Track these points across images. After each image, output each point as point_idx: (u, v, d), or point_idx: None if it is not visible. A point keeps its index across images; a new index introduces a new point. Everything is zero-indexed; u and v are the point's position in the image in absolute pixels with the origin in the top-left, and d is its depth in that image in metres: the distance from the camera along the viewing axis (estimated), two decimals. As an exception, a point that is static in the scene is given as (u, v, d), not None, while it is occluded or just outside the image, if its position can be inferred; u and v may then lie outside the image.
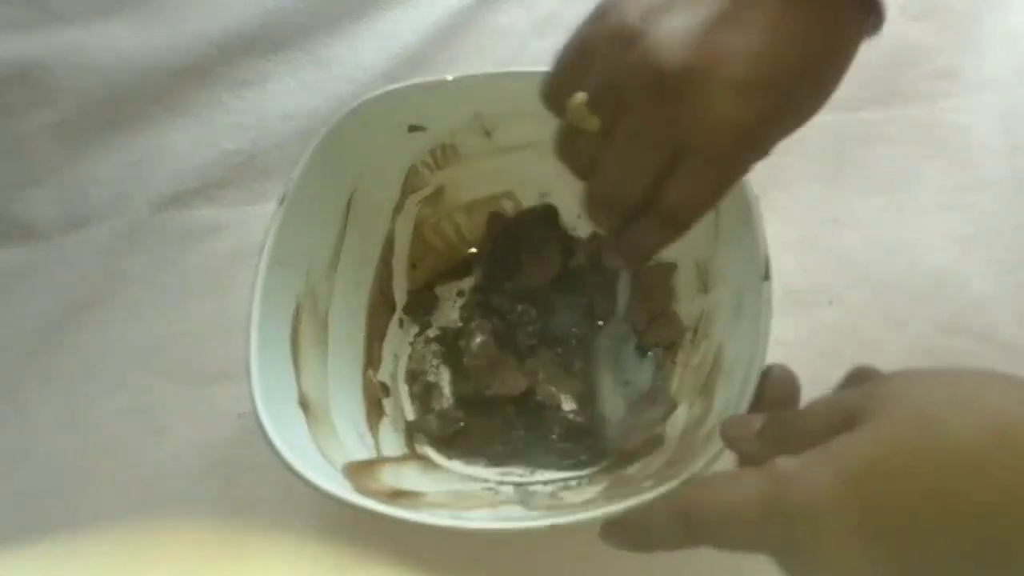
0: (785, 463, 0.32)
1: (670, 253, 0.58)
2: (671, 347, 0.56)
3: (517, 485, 0.54)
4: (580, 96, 0.37)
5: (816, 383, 0.55)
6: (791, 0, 0.36)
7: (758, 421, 0.38)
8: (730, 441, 0.39)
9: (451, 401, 0.58)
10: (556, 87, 0.39)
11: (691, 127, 0.35)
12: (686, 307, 0.57)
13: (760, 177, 0.60)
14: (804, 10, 0.36)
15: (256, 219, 0.64)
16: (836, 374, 0.55)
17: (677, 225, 0.40)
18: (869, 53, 0.66)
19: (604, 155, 0.38)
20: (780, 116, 0.37)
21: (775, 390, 0.42)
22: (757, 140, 0.37)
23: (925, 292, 0.58)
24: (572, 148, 0.40)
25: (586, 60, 0.38)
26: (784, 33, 0.36)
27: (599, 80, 0.37)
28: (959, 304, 0.57)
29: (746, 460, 0.39)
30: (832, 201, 0.62)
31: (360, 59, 0.71)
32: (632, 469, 0.52)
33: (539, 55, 0.69)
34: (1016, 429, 0.29)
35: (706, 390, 0.51)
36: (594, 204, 0.40)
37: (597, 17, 0.38)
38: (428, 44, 0.70)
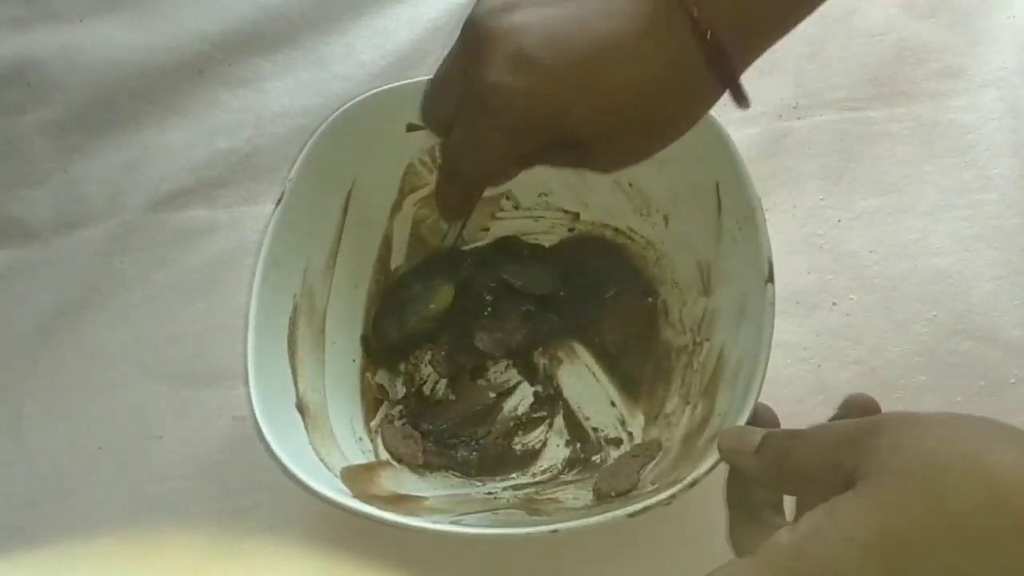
0: (785, 538, 0.32)
1: (669, 255, 0.58)
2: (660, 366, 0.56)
3: (516, 487, 0.53)
4: None
5: (818, 384, 0.55)
6: (644, 18, 0.36)
7: (757, 436, 0.37)
8: (727, 453, 0.39)
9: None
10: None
11: (471, 88, 0.38)
12: (687, 309, 0.56)
13: (763, 177, 0.60)
14: (649, 33, 0.37)
15: (253, 219, 0.64)
16: (840, 376, 0.55)
17: (461, 183, 0.43)
18: (874, 52, 0.67)
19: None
20: (561, 101, 0.37)
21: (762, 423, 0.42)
22: (526, 113, 0.38)
23: (929, 293, 0.57)
24: None
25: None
26: (602, 31, 0.37)
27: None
28: (964, 305, 0.57)
29: (741, 474, 0.38)
30: (835, 201, 0.61)
31: (358, 57, 0.70)
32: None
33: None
34: (1013, 493, 0.29)
35: (708, 393, 0.50)
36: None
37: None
38: (427, 42, 0.70)
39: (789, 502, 0.37)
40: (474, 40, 0.38)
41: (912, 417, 0.33)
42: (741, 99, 0.39)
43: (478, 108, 0.39)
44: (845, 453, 0.32)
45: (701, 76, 0.38)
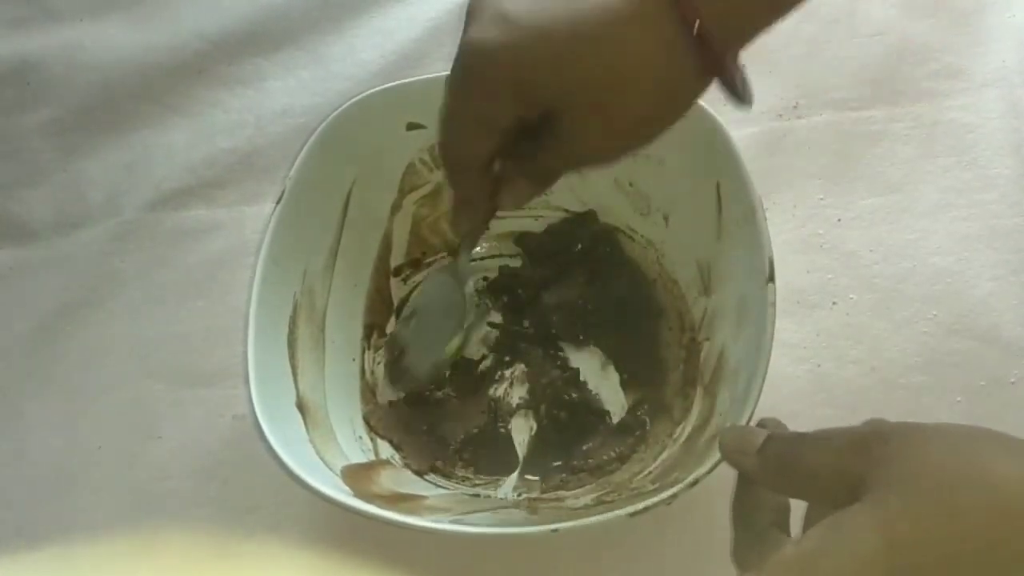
0: (791, 552, 0.32)
1: (669, 255, 0.58)
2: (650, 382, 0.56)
3: (514, 488, 0.53)
4: None
5: (818, 384, 0.55)
6: (632, 2, 0.36)
7: (759, 437, 0.37)
8: (728, 453, 0.38)
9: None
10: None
11: (456, 56, 0.39)
12: (686, 312, 0.56)
13: (763, 177, 0.60)
14: (635, 17, 0.36)
15: (253, 219, 0.64)
16: (840, 376, 0.55)
17: (449, 164, 0.43)
18: (874, 52, 0.67)
19: None
20: (535, 61, 0.37)
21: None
22: (500, 63, 0.38)
23: (929, 293, 0.57)
24: None
25: None
26: (588, 5, 0.36)
27: None
28: (964, 305, 0.57)
29: (742, 475, 0.38)
30: (836, 201, 0.61)
31: (359, 57, 0.70)
32: (620, 475, 0.52)
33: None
34: (1020, 506, 0.29)
35: (709, 392, 0.50)
36: None
37: None
38: (427, 42, 0.70)
39: (795, 523, 0.37)
40: (467, 13, 0.39)
41: (920, 428, 0.33)
42: (735, 94, 0.39)
43: (458, 70, 0.39)
44: (851, 461, 0.32)
45: (687, 66, 0.37)
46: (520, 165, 0.43)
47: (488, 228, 0.50)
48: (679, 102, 0.39)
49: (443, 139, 0.42)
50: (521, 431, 0.55)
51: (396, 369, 0.55)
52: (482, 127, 0.40)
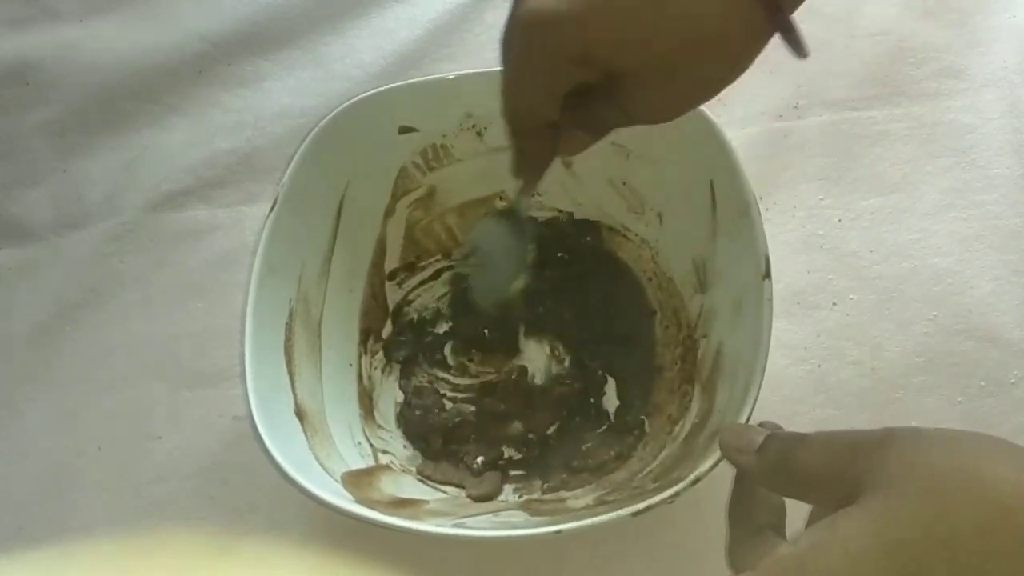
0: (786, 552, 0.32)
1: (664, 253, 0.58)
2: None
3: (515, 489, 0.53)
4: None
5: (818, 384, 0.55)
6: None
7: (759, 435, 0.37)
8: (728, 451, 0.38)
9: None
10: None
11: (514, 24, 0.39)
12: (682, 310, 0.56)
13: (763, 177, 0.60)
14: None
15: (252, 219, 0.64)
16: (840, 376, 0.55)
17: (513, 124, 0.43)
18: (874, 52, 0.67)
19: None
20: (597, 24, 0.37)
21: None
22: (562, 32, 0.37)
23: (929, 293, 0.57)
24: None
25: None
26: None
27: None
28: (964, 306, 0.57)
29: (741, 474, 0.38)
30: (836, 201, 0.61)
31: (359, 57, 0.70)
32: (619, 475, 0.52)
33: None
34: (1016, 511, 0.29)
35: (707, 390, 0.50)
36: None
37: None
38: (427, 42, 0.70)
39: (791, 525, 0.37)
40: None
41: (920, 433, 0.33)
42: (796, 44, 0.38)
43: (519, 38, 0.38)
44: (850, 463, 0.32)
45: (753, 20, 0.37)
46: (577, 117, 0.42)
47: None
48: (745, 59, 0.39)
49: (509, 105, 0.42)
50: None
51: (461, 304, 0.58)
52: (547, 93, 0.40)
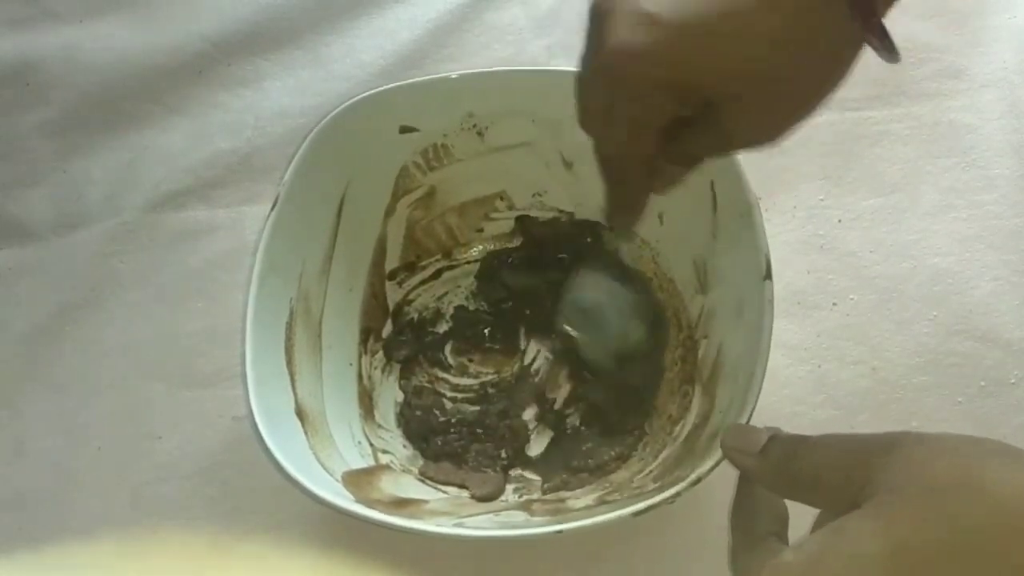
0: (791, 557, 0.31)
1: (665, 254, 0.58)
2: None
3: (515, 489, 0.53)
4: None
5: (818, 384, 0.55)
6: None
7: (762, 437, 0.37)
8: (730, 452, 0.38)
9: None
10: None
11: (598, 60, 0.37)
12: (683, 311, 0.56)
13: (763, 177, 0.60)
14: None
15: (252, 219, 0.64)
16: (840, 376, 0.55)
17: (605, 165, 0.42)
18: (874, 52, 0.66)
19: None
20: (684, 56, 0.36)
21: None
22: (655, 65, 0.36)
23: (929, 293, 0.57)
24: None
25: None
26: None
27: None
28: (964, 306, 0.57)
29: (743, 477, 0.38)
30: (836, 201, 0.61)
31: (359, 57, 0.70)
32: (620, 475, 0.52)
33: (539, 53, 0.69)
34: (1019, 511, 0.29)
35: (707, 390, 0.50)
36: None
37: None
38: (427, 42, 0.70)
39: (794, 532, 0.37)
40: (596, 15, 0.37)
41: (922, 437, 0.33)
42: (890, 49, 0.37)
43: (605, 75, 0.37)
44: (855, 467, 0.32)
45: (847, 28, 0.36)
46: (668, 150, 0.41)
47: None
48: (846, 66, 0.38)
49: (602, 148, 0.41)
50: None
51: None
52: (643, 130, 0.38)
